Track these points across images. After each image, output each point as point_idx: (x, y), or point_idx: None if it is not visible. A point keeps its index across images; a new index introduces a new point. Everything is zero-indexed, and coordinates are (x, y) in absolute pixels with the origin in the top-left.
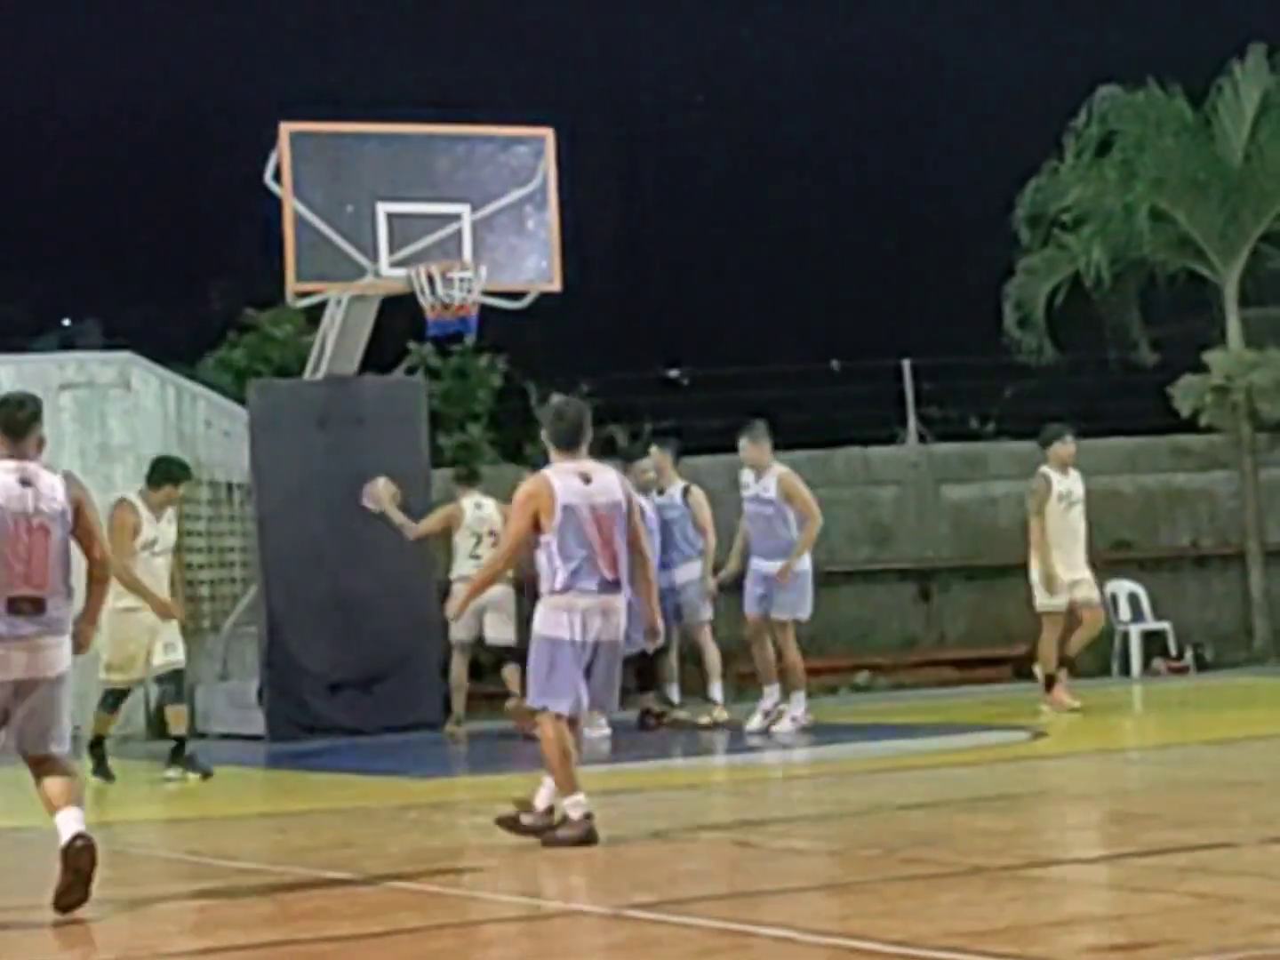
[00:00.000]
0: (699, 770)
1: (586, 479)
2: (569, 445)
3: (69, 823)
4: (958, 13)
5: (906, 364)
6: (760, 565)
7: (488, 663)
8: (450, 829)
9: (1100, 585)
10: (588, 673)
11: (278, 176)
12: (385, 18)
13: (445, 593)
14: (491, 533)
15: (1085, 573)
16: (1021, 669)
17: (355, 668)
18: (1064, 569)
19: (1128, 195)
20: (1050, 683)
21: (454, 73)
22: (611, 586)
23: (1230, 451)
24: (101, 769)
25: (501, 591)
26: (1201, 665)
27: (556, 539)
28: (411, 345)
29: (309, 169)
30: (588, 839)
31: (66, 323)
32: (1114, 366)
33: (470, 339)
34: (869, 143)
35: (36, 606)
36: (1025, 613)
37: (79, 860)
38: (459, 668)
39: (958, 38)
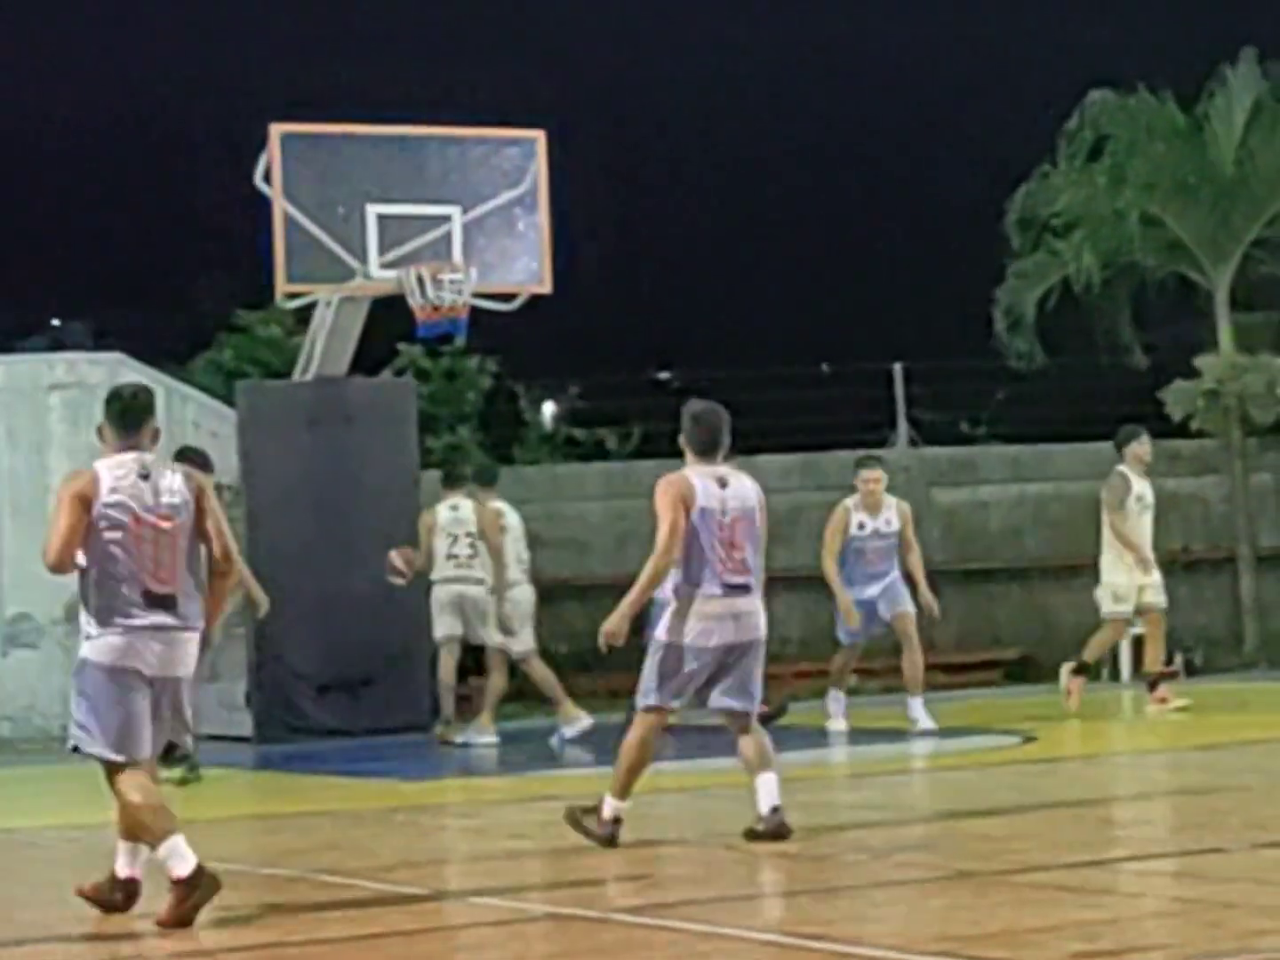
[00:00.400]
0: (687, 774)
1: (723, 483)
2: (707, 451)
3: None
4: (950, 16)
5: (897, 367)
6: None
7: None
8: (439, 831)
9: (1090, 590)
10: (713, 678)
11: (268, 177)
12: (377, 19)
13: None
14: (469, 534)
15: (1155, 576)
16: (1011, 673)
17: (344, 669)
18: (1127, 575)
19: (1119, 200)
20: (1155, 683)
21: (445, 75)
22: (739, 590)
23: (1221, 456)
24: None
25: (482, 592)
26: (1191, 670)
27: (691, 542)
28: (401, 347)
29: (299, 170)
30: (608, 841)
31: (56, 323)
32: (1105, 371)
33: (460, 341)
34: (861, 146)
35: (167, 602)
36: (1016, 616)
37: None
38: (447, 667)
39: (950, 41)
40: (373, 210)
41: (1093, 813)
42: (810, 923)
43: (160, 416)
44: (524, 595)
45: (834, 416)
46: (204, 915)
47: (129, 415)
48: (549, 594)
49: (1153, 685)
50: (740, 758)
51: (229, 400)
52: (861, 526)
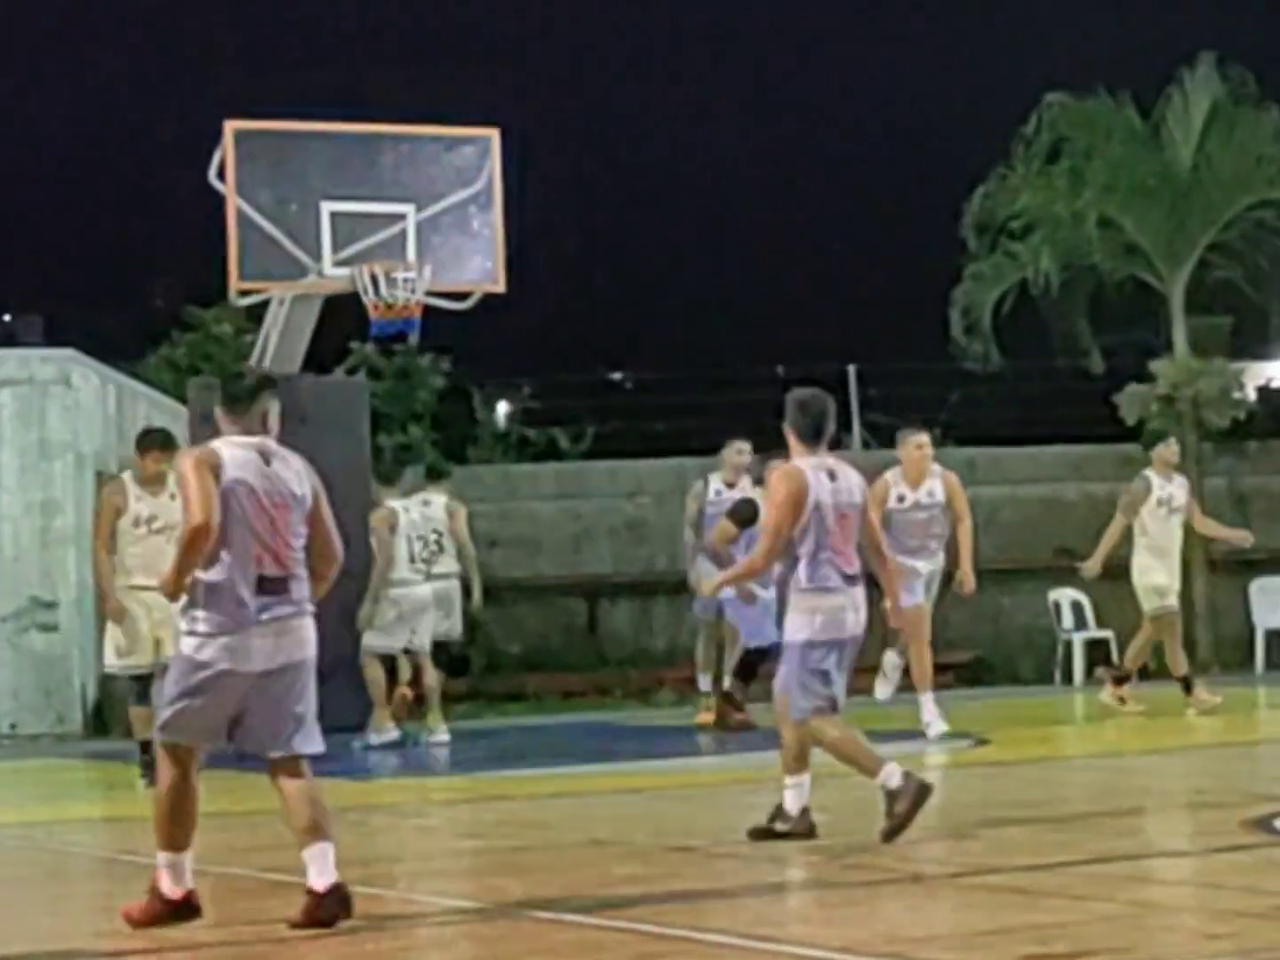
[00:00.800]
0: (640, 774)
1: (832, 475)
2: (813, 438)
3: (320, 871)
4: (907, 19)
5: (852, 370)
6: None
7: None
8: (390, 830)
9: (1043, 594)
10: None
11: (221, 174)
12: (333, 17)
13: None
14: (436, 532)
15: (1177, 582)
16: (963, 675)
17: None
18: (1165, 575)
19: (1076, 203)
20: (1189, 684)
21: (400, 73)
22: (854, 580)
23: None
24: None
25: (441, 589)
26: (1144, 674)
27: (807, 538)
28: (354, 345)
29: (253, 167)
30: (809, 833)
31: (7, 319)
32: (1060, 374)
33: (413, 339)
34: (818, 148)
35: (281, 586)
36: (968, 620)
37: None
38: (376, 673)
39: (907, 43)
40: (326, 208)
41: (1045, 816)
42: (761, 924)
43: (111, 414)
44: (412, 595)
45: None
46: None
47: (236, 397)
48: (501, 594)
49: (1187, 687)
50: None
51: (181, 398)
52: (901, 499)
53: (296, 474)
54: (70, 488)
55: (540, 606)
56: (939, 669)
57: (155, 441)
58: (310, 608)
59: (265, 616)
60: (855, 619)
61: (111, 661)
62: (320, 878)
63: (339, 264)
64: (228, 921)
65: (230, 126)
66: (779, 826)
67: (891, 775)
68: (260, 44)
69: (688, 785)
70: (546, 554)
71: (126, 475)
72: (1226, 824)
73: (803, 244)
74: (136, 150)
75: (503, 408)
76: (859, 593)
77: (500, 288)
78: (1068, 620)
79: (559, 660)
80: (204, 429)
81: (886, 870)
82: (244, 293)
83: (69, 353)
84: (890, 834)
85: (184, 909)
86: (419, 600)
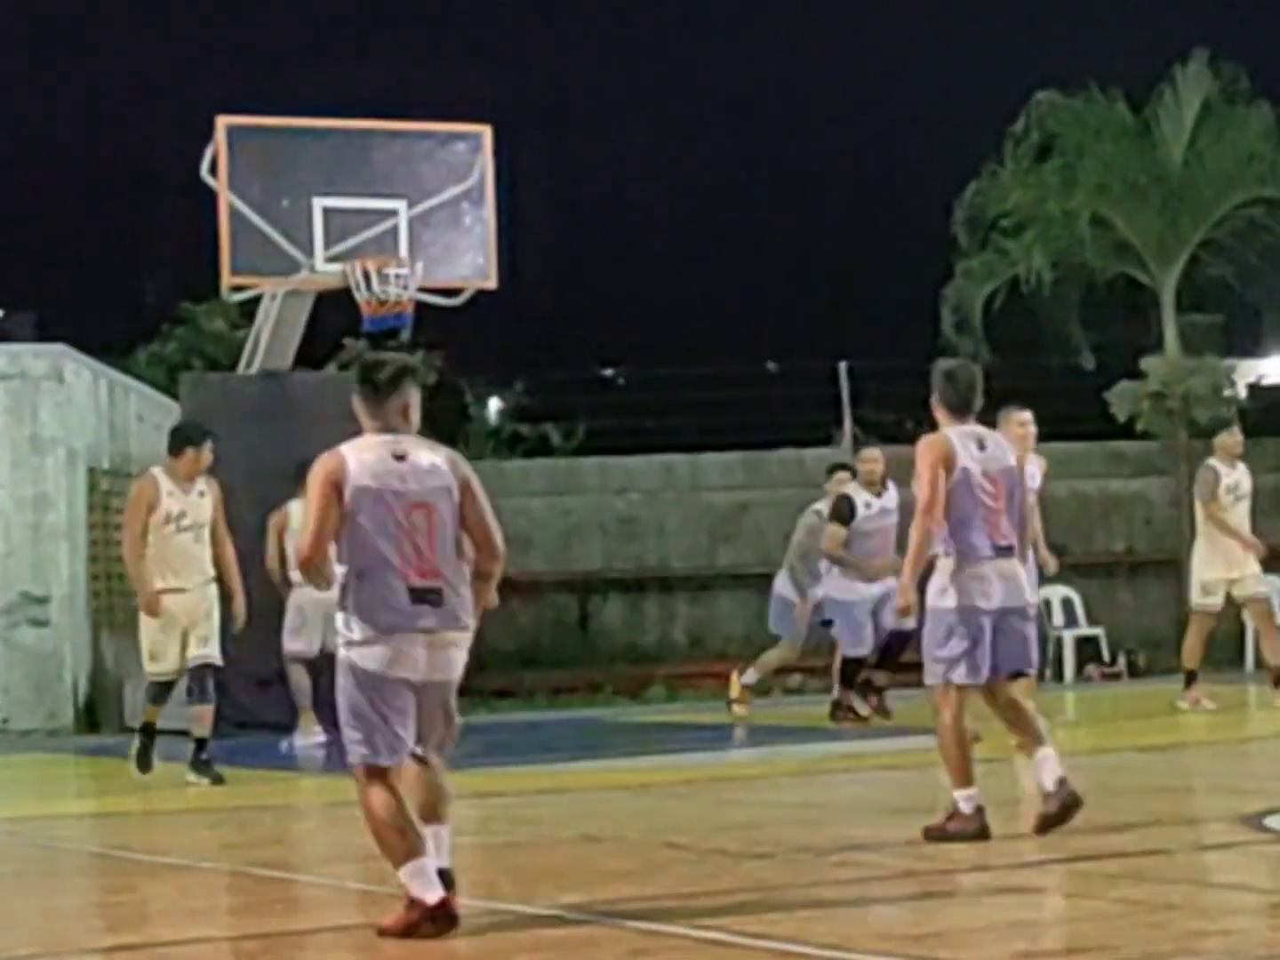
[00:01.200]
0: (630, 771)
1: (981, 444)
2: (961, 408)
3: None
4: (898, 15)
5: (843, 366)
6: None
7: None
8: None
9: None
10: (992, 642)
11: (214, 170)
12: (324, 14)
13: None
14: None
15: (1253, 567)
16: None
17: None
18: (1226, 565)
19: (1069, 201)
20: (1191, 679)
21: (394, 70)
22: (1007, 551)
23: (1166, 458)
24: (145, 758)
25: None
26: (1134, 671)
27: (952, 503)
28: (346, 341)
29: (245, 163)
30: (981, 834)
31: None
32: (1051, 371)
33: (405, 335)
34: (809, 144)
35: (435, 599)
36: None
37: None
38: (300, 678)
39: (898, 39)
40: (319, 204)
41: (1033, 813)
42: (752, 921)
43: (103, 409)
44: (310, 597)
45: (779, 415)
46: (142, 909)
47: (375, 388)
48: None
49: (1277, 680)
50: (1012, 733)
51: (173, 393)
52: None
53: (436, 468)
54: (62, 483)
55: (531, 603)
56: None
57: (190, 439)
58: (466, 621)
59: (420, 625)
60: (1007, 590)
61: (147, 667)
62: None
63: (331, 260)
64: (217, 918)
65: (223, 122)
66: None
67: (968, 800)
68: (253, 40)
69: (679, 782)
70: (538, 550)
71: (158, 470)
72: (1216, 821)
73: (795, 241)
74: (129, 147)
75: (494, 404)
76: (1010, 564)
77: (492, 284)
78: (1058, 618)
79: (550, 656)
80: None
81: (877, 867)
82: (236, 288)
83: (61, 348)
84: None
85: (441, 915)
86: (318, 602)
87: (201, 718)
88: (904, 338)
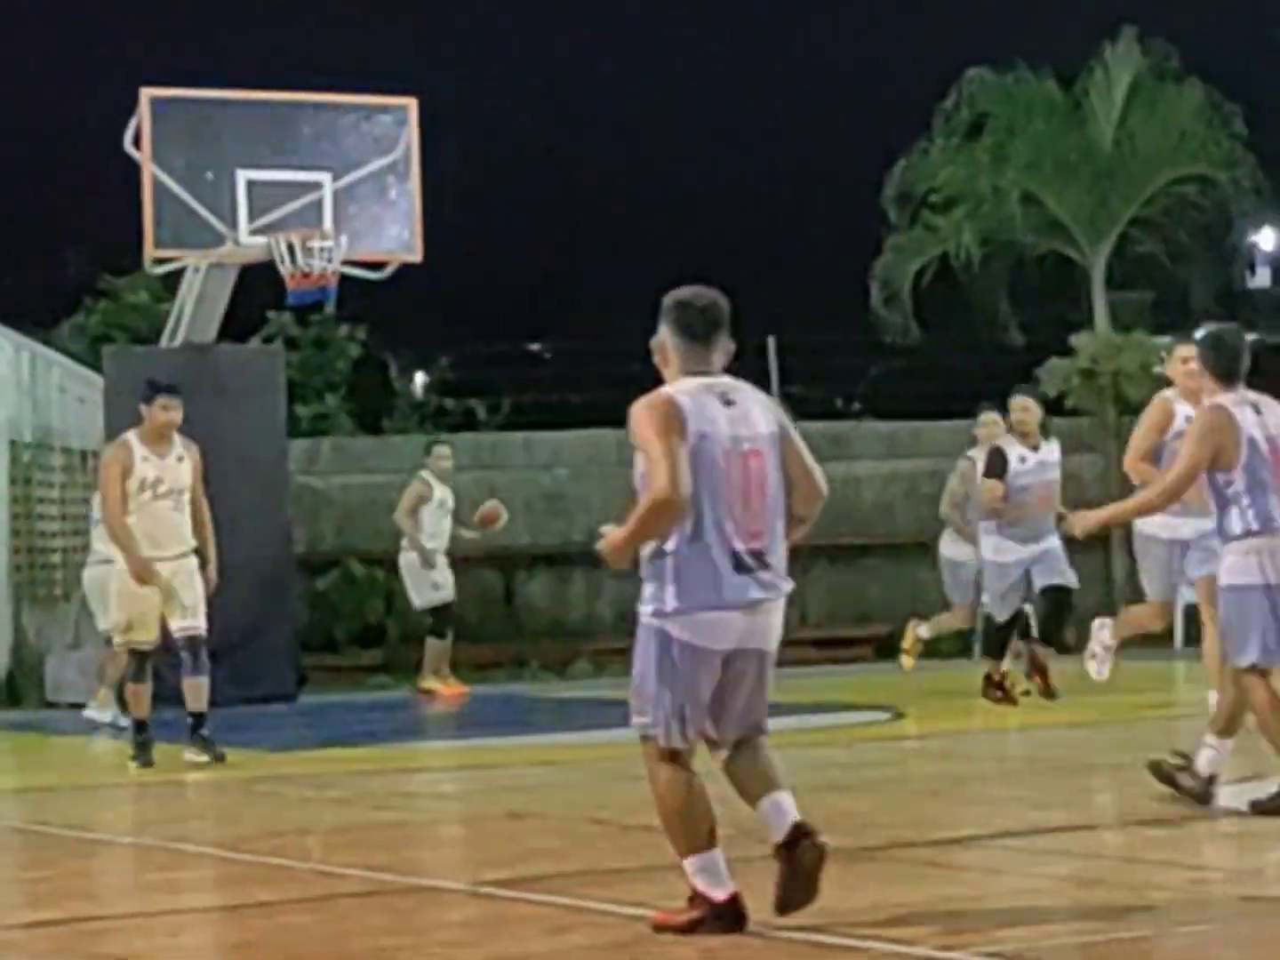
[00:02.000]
0: (554, 747)
1: (1257, 409)
2: (1228, 376)
3: (784, 810)
4: None
5: (771, 341)
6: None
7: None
8: (301, 802)
9: None
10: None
11: (137, 142)
12: None
13: None
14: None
15: None
16: (882, 649)
17: (208, 638)
18: None
19: (999, 178)
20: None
21: (317, 41)
22: None
23: (1096, 434)
24: (144, 754)
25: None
26: (1064, 649)
27: (1244, 477)
28: (270, 314)
29: (169, 135)
30: (1206, 801)
31: None
32: (981, 348)
33: (329, 308)
34: (738, 118)
35: (759, 561)
36: (887, 593)
37: (804, 860)
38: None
39: (830, 14)
40: (243, 176)
41: (961, 789)
42: (676, 897)
43: (25, 381)
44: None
45: None
46: (64, 884)
47: (697, 327)
48: None
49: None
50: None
51: (96, 366)
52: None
53: (761, 412)
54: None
55: (456, 578)
56: (857, 642)
57: (162, 386)
58: (786, 586)
59: (744, 594)
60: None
61: (118, 639)
62: (788, 819)
63: (255, 232)
64: (136, 893)
65: (146, 94)
66: (1183, 781)
67: None
68: (177, 11)
69: (603, 758)
70: (462, 525)
71: (131, 435)
72: (1144, 798)
73: (723, 215)
74: (51, 118)
75: (420, 378)
76: None
77: (417, 257)
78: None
79: (475, 632)
80: (121, 399)
81: None
82: (160, 261)
83: None
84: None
85: (728, 912)
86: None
87: (197, 691)
88: (833, 314)
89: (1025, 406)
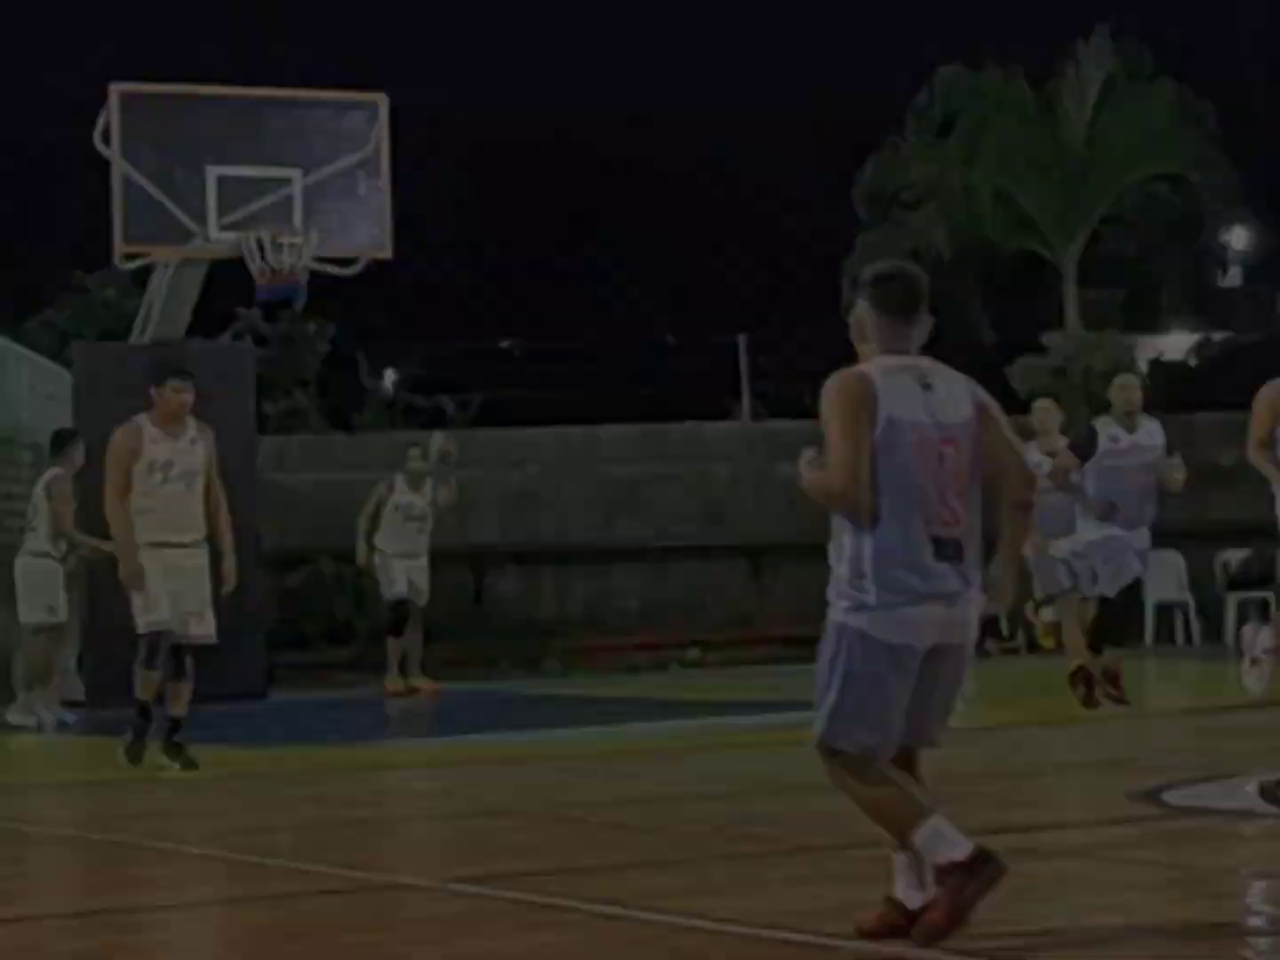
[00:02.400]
0: (524, 745)
1: None
2: None
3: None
4: None
5: (742, 339)
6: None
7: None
8: (272, 799)
9: None
10: None
11: (107, 138)
12: None
13: None
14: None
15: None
16: None
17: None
18: None
19: (971, 176)
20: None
21: (289, 37)
22: None
23: (1067, 432)
24: (139, 750)
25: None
26: (1033, 646)
27: None
28: (240, 310)
29: (139, 131)
30: None
31: None
32: (951, 346)
33: (299, 305)
34: (709, 115)
35: (956, 550)
36: None
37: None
38: (34, 651)
39: (802, 9)
40: (213, 172)
41: (931, 787)
42: (647, 895)
43: None
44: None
45: (678, 388)
46: (29, 882)
47: (899, 301)
48: None
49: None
50: None
51: (64, 362)
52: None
53: (959, 397)
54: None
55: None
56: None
57: (173, 369)
58: (978, 577)
59: (942, 586)
60: None
61: (138, 619)
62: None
63: (225, 229)
64: (106, 889)
65: (116, 90)
66: None
67: None
68: (147, 7)
69: (574, 756)
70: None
71: (142, 417)
72: (1114, 796)
73: (693, 212)
74: (20, 113)
75: (390, 375)
76: None
77: (388, 254)
78: None
79: (445, 629)
80: (90, 395)
81: (773, 842)
82: (129, 257)
83: None
84: None
85: (979, 864)
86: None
87: (181, 694)
88: (804, 311)
89: (1131, 384)
